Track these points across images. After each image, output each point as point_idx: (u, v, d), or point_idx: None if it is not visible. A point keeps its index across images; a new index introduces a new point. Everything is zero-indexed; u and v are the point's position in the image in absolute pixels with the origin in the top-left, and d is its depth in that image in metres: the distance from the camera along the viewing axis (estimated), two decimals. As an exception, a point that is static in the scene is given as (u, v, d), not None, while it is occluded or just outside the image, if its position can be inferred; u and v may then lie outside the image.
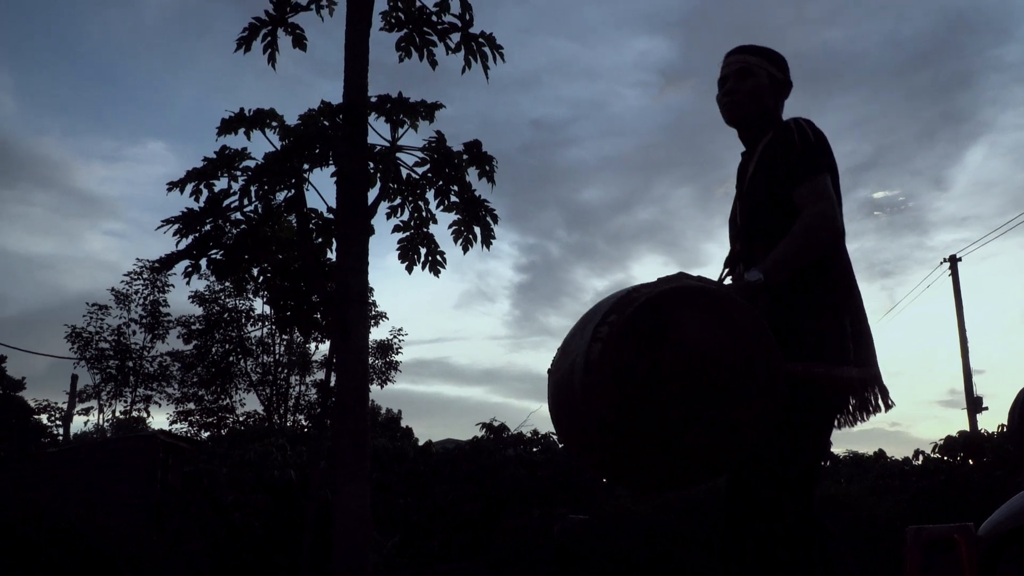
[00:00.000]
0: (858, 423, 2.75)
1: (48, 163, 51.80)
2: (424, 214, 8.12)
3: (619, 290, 2.41)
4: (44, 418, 28.64)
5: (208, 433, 24.63)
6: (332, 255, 7.94)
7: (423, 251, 8.12)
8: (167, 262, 7.28)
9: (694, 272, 2.53)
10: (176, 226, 7.16)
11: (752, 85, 2.94)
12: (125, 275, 26.24)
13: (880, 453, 19.58)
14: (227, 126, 7.50)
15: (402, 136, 7.83)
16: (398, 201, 8.07)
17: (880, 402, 2.71)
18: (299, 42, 7.87)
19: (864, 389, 2.67)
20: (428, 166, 7.86)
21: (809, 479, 2.62)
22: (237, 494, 12.97)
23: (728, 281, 2.88)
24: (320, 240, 7.97)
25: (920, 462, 14.70)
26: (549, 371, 2.46)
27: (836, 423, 2.71)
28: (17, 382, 28.14)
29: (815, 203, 2.64)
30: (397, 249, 8.07)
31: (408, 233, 8.13)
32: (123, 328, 26.01)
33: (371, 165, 7.72)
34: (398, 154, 7.85)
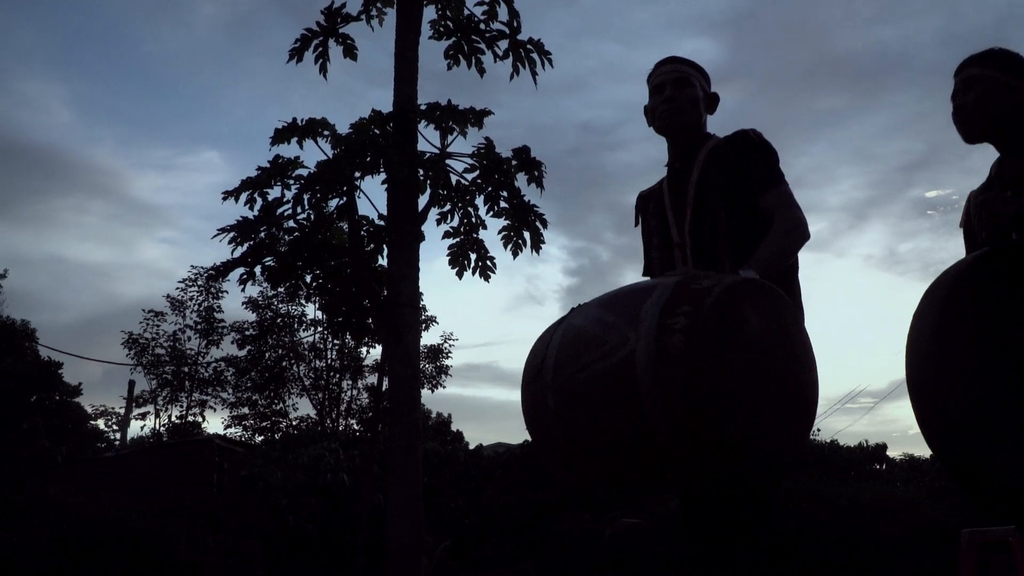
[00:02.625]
0: None
1: (103, 172, 52.76)
2: (474, 220, 8.19)
3: (646, 282, 2.38)
4: (101, 423, 29.22)
5: (262, 437, 24.90)
6: (383, 261, 8.04)
7: (473, 256, 8.18)
8: (223, 270, 7.42)
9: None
10: (231, 234, 7.29)
11: (691, 94, 2.93)
12: (180, 282, 26.64)
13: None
14: (280, 136, 7.62)
15: (451, 143, 7.92)
16: (448, 207, 8.13)
17: None
18: (349, 52, 7.98)
19: None
20: (477, 172, 7.92)
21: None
22: (291, 498, 13.12)
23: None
24: (371, 246, 8.06)
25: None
26: (546, 371, 2.29)
27: None
28: (74, 388, 28.66)
29: (789, 210, 2.67)
30: (447, 255, 8.15)
31: (458, 239, 8.19)
32: (178, 334, 26.41)
33: (421, 172, 7.81)
34: (447, 161, 7.93)
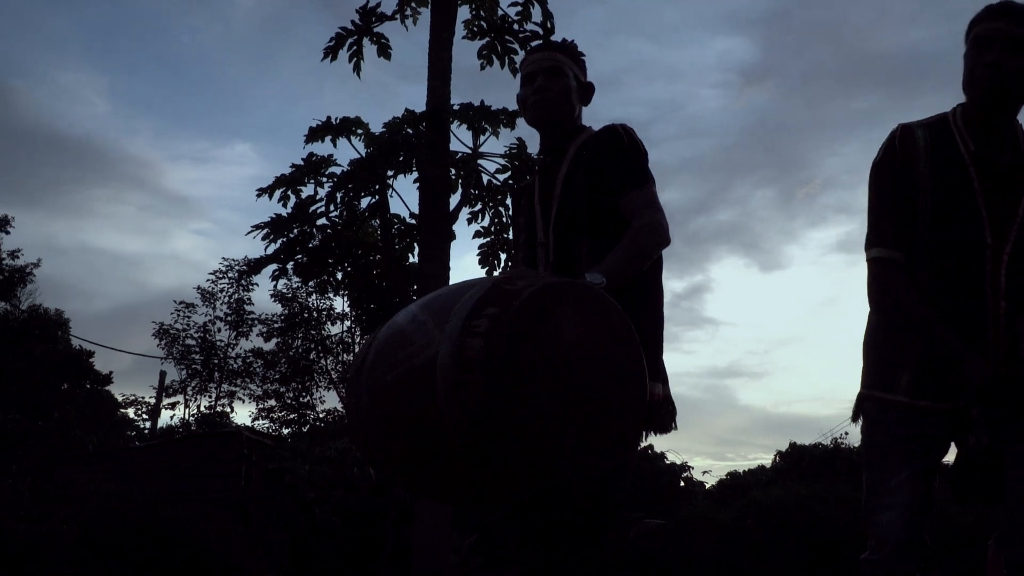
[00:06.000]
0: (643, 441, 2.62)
1: (139, 163, 53.22)
2: (505, 220, 8.22)
3: (472, 280, 2.16)
4: (130, 412, 29.50)
5: (289, 430, 25.09)
6: (414, 259, 8.09)
7: (503, 256, 8.22)
8: (257, 266, 7.51)
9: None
10: (265, 231, 7.37)
11: (564, 84, 2.73)
12: (211, 274, 26.90)
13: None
14: (314, 134, 7.69)
15: (483, 143, 7.95)
16: (479, 207, 8.18)
17: (672, 422, 2.59)
18: (384, 51, 8.02)
19: (667, 408, 2.57)
20: (509, 172, 7.95)
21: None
22: (318, 491, 13.20)
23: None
24: (402, 245, 8.12)
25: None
26: (364, 370, 2.13)
27: None
28: (105, 376, 28.95)
29: (649, 213, 2.51)
30: (478, 254, 8.20)
31: (489, 238, 8.24)
32: (208, 325, 26.67)
33: (453, 172, 7.85)
34: (479, 160, 7.97)
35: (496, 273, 8.13)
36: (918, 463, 2.40)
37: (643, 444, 2.66)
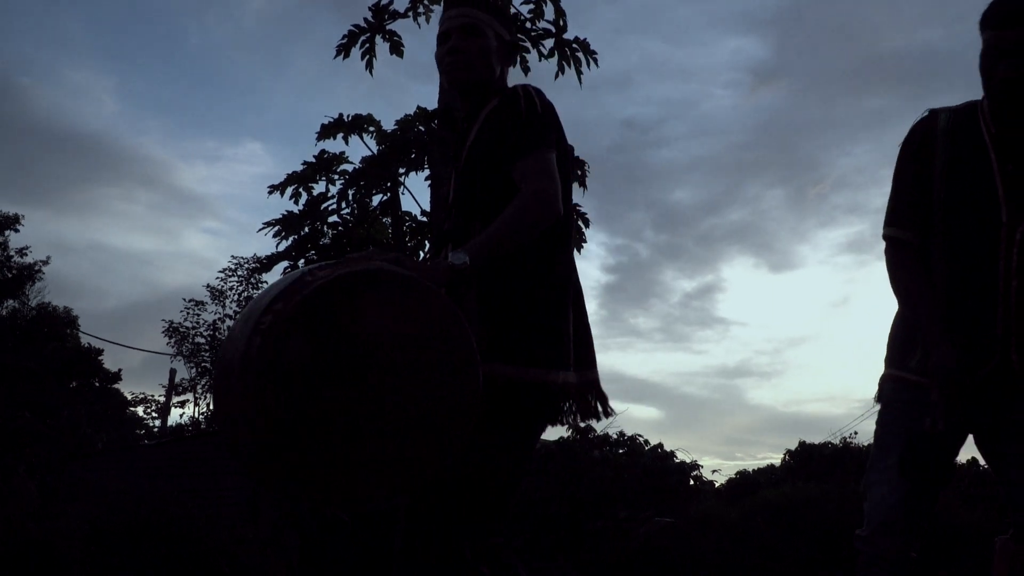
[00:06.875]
0: (577, 426, 2.52)
1: (150, 162, 53.44)
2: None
3: (295, 271, 1.99)
4: (140, 410, 29.56)
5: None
6: (425, 256, 8.09)
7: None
8: (268, 263, 7.52)
9: None
10: (276, 228, 7.39)
11: (481, 44, 2.50)
12: (220, 271, 26.95)
13: (972, 461, 19.10)
14: (326, 131, 7.70)
15: (495, 140, 7.93)
16: (490, 204, 8.16)
17: (600, 408, 2.46)
18: (396, 49, 8.02)
19: (584, 394, 2.42)
20: (520, 170, 7.94)
21: (503, 497, 2.35)
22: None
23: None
24: (414, 242, 8.12)
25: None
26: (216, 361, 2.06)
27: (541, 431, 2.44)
28: (114, 374, 29.01)
29: (535, 181, 2.26)
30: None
31: (500, 236, 8.22)
32: (218, 323, 26.69)
33: (465, 169, 7.84)
34: (491, 158, 7.95)
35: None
36: None
37: (571, 429, 2.56)
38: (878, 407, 2.59)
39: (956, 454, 2.37)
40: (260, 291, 2.06)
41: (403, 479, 1.96)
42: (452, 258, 2.09)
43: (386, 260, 2.00)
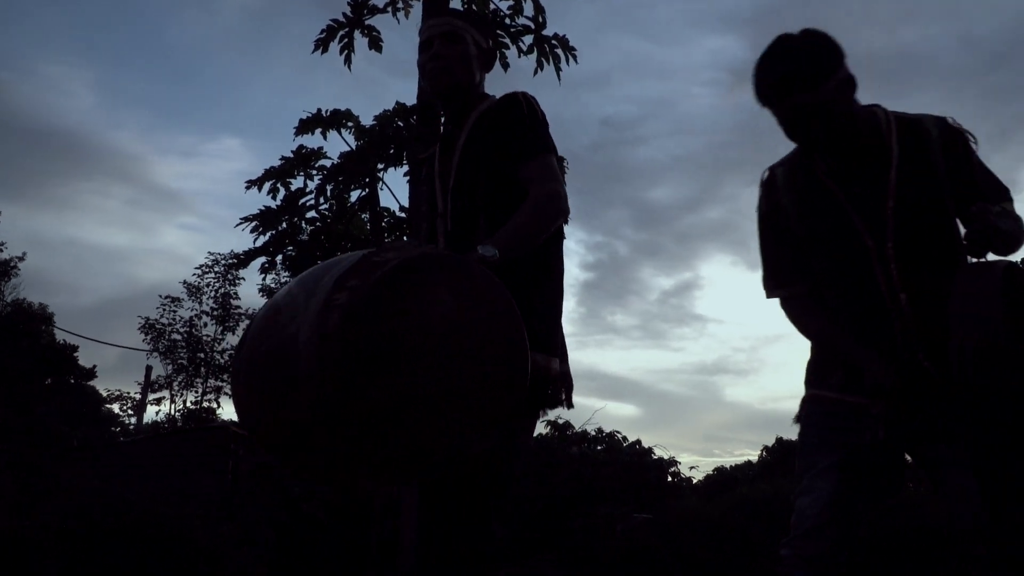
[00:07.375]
0: (539, 417, 2.58)
1: (126, 157, 53.21)
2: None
3: (346, 255, 2.05)
4: (116, 407, 29.37)
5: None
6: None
7: (493, 250, 8.20)
8: (246, 259, 7.47)
9: None
10: (254, 223, 7.34)
11: (461, 51, 2.64)
12: (197, 268, 26.79)
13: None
14: (305, 126, 7.66)
15: (474, 137, 7.91)
16: (469, 201, 8.14)
17: (565, 398, 2.56)
18: (375, 44, 7.97)
19: (562, 384, 2.54)
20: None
21: (506, 485, 2.44)
22: (304, 486, 13.16)
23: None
24: (392, 238, 8.09)
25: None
26: (245, 344, 2.07)
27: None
28: (89, 371, 28.79)
29: (545, 183, 2.42)
30: (468, 248, 8.17)
31: (479, 232, 8.21)
32: (195, 320, 26.55)
33: (444, 165, 7.82)
34: (470, 154, 7.93)
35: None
36: (838, 453, 2.42)
37: (540, 420, 2.61)
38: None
39: (900, 463, 2.42)
40: (308, 271, 2.06)
41: (455, 450, 1.99)
42: (483, 251, 2.15)
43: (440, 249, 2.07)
